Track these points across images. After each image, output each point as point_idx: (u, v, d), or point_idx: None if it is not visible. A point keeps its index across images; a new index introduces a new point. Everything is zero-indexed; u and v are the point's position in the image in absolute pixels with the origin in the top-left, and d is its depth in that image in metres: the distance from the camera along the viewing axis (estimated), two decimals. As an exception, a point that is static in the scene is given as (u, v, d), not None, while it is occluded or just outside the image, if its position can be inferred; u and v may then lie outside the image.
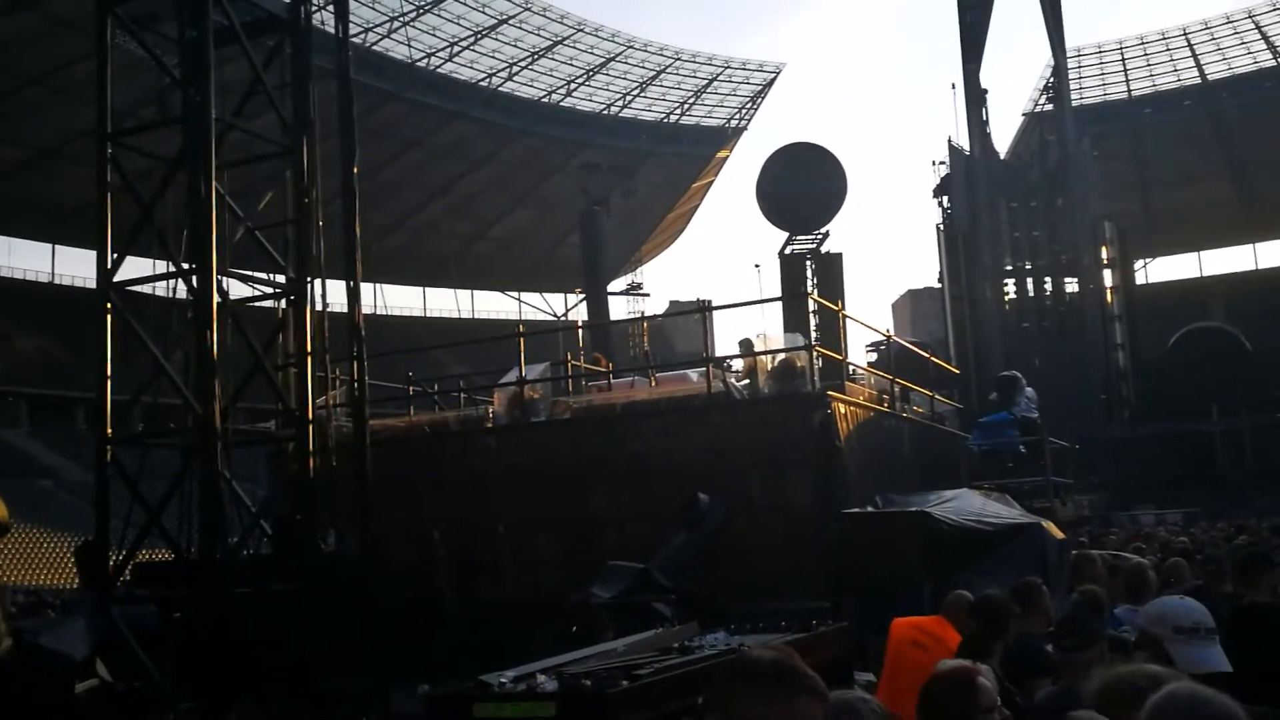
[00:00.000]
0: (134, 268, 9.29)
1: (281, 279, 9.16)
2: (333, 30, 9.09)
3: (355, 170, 9.15)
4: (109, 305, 8.57)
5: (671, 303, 61.88)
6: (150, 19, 8.79)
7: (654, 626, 6.73)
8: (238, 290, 9.06)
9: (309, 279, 8.94)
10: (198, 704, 7.60)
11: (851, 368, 13.81)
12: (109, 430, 8.56)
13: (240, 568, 8.42)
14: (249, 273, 9.17)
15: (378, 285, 60.95)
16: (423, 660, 8.85)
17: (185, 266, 8.31)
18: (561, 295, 65.83)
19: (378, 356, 10.18)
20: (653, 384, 12.34)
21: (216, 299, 8.11)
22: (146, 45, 8.59)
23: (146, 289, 9.15)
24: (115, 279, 8.75)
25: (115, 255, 8.70)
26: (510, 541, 10.54)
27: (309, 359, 8.81)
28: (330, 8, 9.78)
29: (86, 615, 7.92)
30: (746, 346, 12.07)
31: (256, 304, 9.95)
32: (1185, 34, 57.74)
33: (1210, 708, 1.90)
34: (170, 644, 8.27)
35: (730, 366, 12.85)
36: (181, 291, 8.64)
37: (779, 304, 26.62)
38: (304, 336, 8.84)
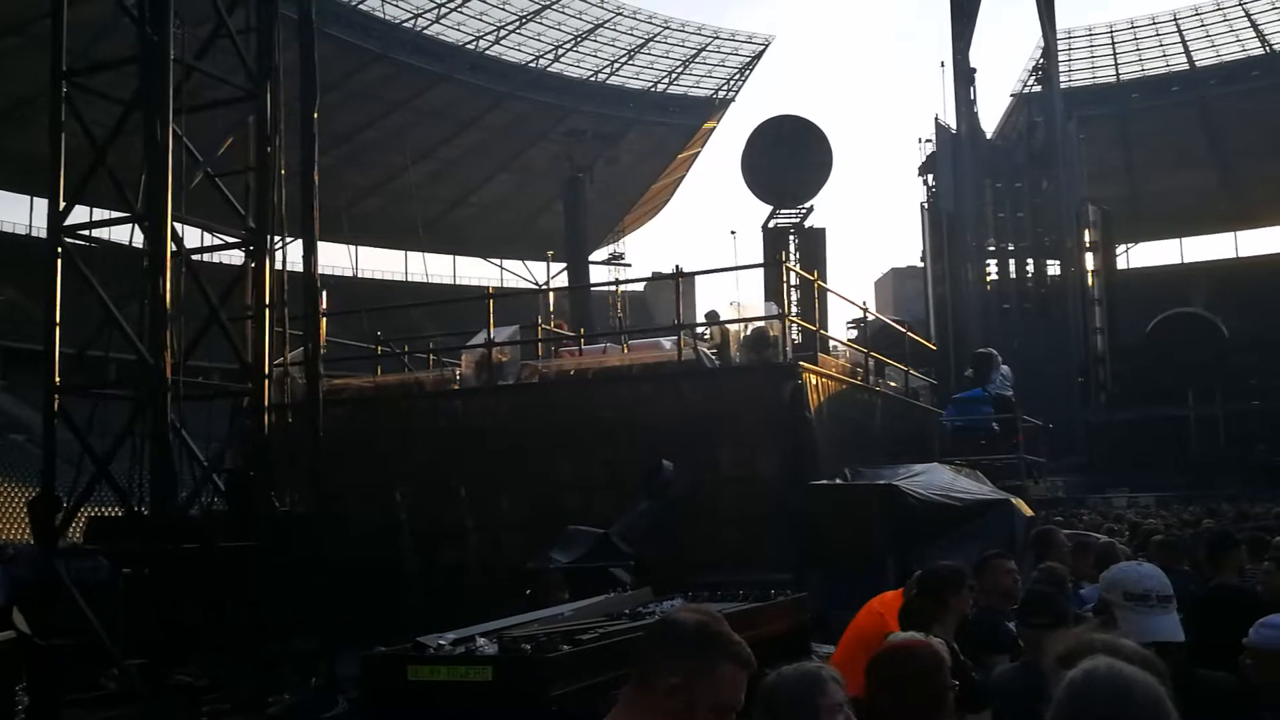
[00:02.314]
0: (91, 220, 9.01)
1: (241, 232, 8.89)
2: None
3: (315, 117, 8.86)
4: (59, 250, 8.29)
5: (654, 273, 61.59)
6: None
7: (610, 592, 6.60)
8: (195, 240, 8.80)
9: (269, 231, 8.67)
10: (143, 662, 7.43)
11: (831, 343, 13.70)
12: (56, 379, 8.31)
13: (191, 524, 8.23)
14: (207, 222, 8.88)
15: (356, 247, 60.94)
16: (381, 624, 8.71)
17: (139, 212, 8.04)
18: (543, 263, 65.43)
19: (339, 314, 9.96)
20: (625, 350, 12.18)
21: (171, 247, 7.85)
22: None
23: (103, 236, 8.91)
24: (67, 223, 8.46)
25: (67, 202, 8.39)
26: (473, 505, 10.37)
27: (267, 311, 8.57)
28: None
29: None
30: (713, 317, 11.93)
31: (215, 261, 9.69)
32: (1175, 19, 57.59)
33: (1134, 690, 1.70)
34: (117, 599, 8.10)
35: (704, 335, 12.70)
36: (139, 241, 8.39)
37: (760, 278, 26.49)
38: (262, 288, 8.59)
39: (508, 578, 8.71)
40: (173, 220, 7.87)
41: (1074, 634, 2.72)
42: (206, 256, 9.75)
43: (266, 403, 8.56)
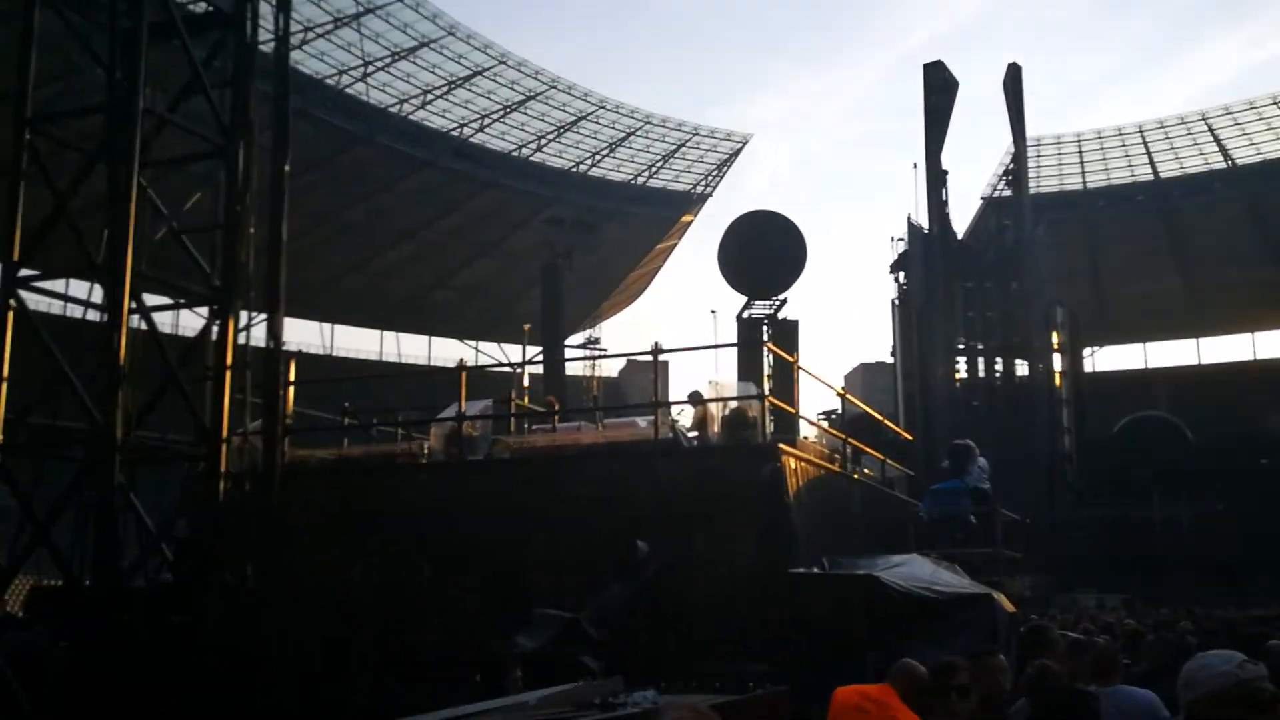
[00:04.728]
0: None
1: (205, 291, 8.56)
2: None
3: (287, 170, 8.63)
4: (11, 304, 7.93)
5: (629, 362, 61.54)
6: (88, 6, 8.31)
7: (579, 680, 6.18)
8: (155, 300, 8.46)
9: (234, 291, 8.36)
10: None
11: (804, 424, 13.46)
12: (-1, 437, 7.89)
13: (134, 595, 7.73)
14: (169, 276, 8.56)
15: (332, 326, 60.63)
16: (335, 707, 8.21)
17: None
18: (519, 347, 65.27)
19: (306, 384, 9.60)
20: (600, 428, 11.88)
21: (131, 304, 7.52)
22: (73, 25, 8.09)
23: (59, 311, 8.57)
24: (21, 275, 8.12)
25: (23, 253, 8.07)
26: (437, 585, 9.92)
27: (227, 373, 8.21)
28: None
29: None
30: (696, 397, 11.68)
31: (175, 331, 9.36)
32: (1141, 131, 59.33)
33: None
34: (53, 673, 7.57)
35: (677, 420, 12.43)
36: (97, 297, 8.06)
37: (734, 366, 26.42)
38: (224, 349, 8.24)
39: (469, 662, 8.26)
40: (134, 276, 7.55)
41: None
42: (166, 325, 9.44)
43: (223, 469, 8.13)
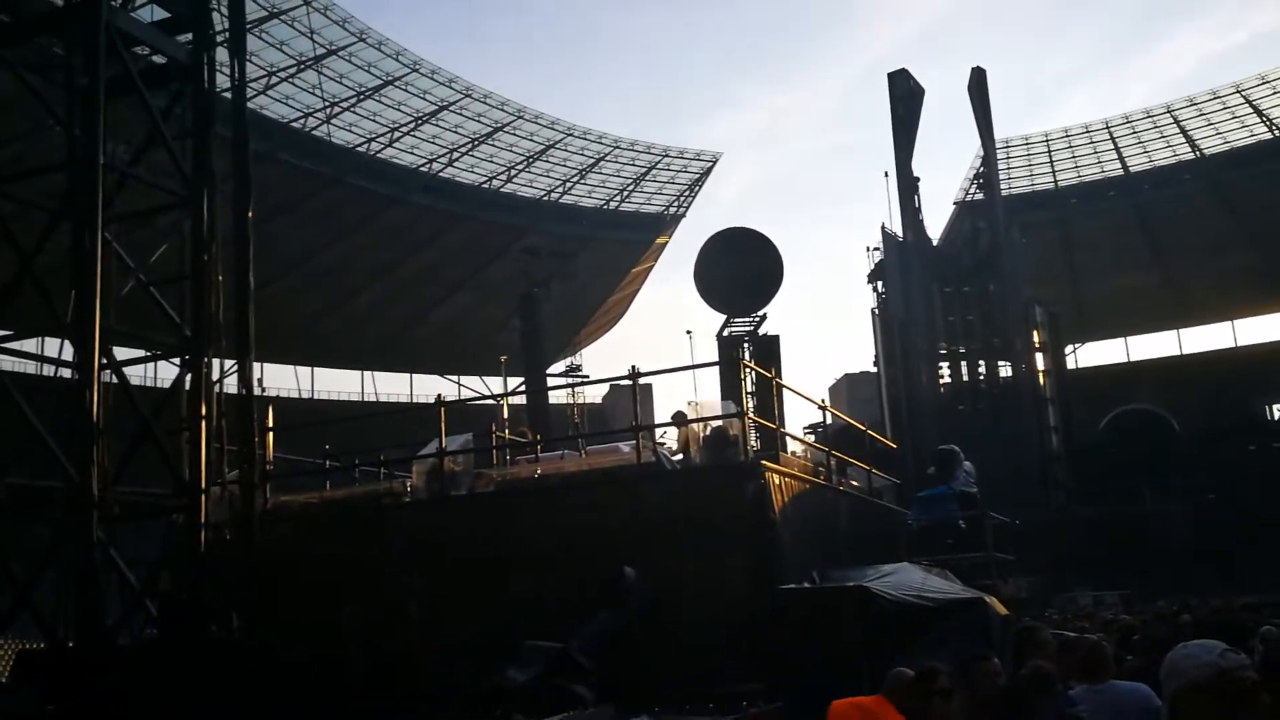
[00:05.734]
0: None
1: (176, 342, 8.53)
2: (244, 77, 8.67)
3: (250, 216, 8.62)
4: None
5: (612, 386, 61.53)
6: (46, 66, 8.32)
7: (571, 710, 6.15)
8: (126, 354, 8.42)
9: (206, 340, 8.33)
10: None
11: (787, 439, 13.45)
12: (-26, 500, 7.81)
13: (119, 653, 7.64)
14: (141, 331, 8.52)
15: (312, 369, 60.44)
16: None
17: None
18: (501, 379, 65.17)
19: (285, 430, 9.55)
20: (582, 456, 11.86)
21: (101, 360, 7.48)
22: (30, 85, 8.09)
23: (34, 369, 8.54)
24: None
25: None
26: (425, 624, 9.86)
27: (203, 423, 8.17)
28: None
29: None
30: (679, 418, 11.69)
31: (149, 383, 9.31)
32: (1108, 127, 59.95)
33: None
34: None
35: (662, 440, 12.44)
36: (68, 354, 8.02)
37: (716, 385, 26.50)
38: (198, 400, 8.20)
39: (462, 700, 8.20)
40: (103, 332, 7.52)
41: None
42: (141, 377, 9.39)
43: (204, 520, 8.07)
